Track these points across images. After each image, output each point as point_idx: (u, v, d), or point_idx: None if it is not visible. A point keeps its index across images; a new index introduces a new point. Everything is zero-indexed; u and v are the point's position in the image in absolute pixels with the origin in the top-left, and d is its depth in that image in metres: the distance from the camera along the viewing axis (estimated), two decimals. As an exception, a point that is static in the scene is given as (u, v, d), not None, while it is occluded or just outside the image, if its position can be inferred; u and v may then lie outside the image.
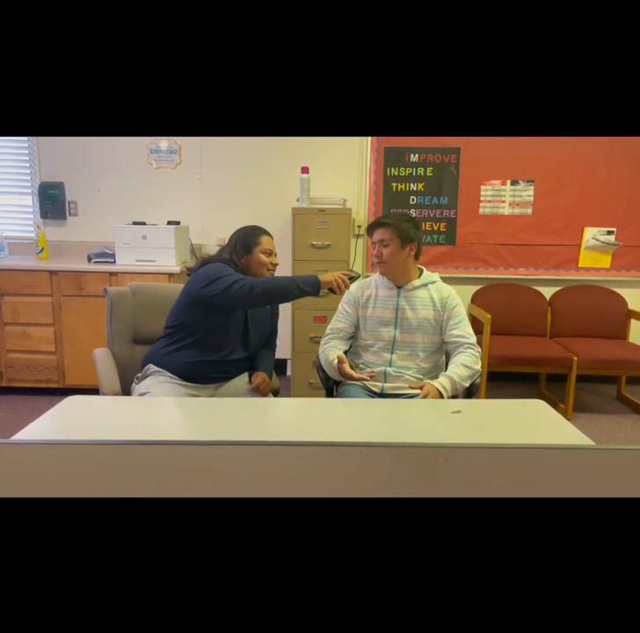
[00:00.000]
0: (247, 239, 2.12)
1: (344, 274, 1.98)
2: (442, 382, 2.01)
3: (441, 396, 1.97)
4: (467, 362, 2.08)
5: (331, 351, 2.17)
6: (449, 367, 2.10)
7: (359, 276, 2.05)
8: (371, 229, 2.18)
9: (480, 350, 2.15)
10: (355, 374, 2.08)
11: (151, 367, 2.07)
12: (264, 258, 2.11)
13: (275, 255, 2.17)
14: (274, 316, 2.31)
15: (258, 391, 2.10)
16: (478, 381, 2.17)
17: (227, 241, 2.19)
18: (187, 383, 2.05)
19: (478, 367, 2.12)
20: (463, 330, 2.15)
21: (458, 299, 2.19)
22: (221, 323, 2.07)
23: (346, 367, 2.08)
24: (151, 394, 1.95)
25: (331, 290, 1.97)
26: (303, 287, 1.92)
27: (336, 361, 2.10)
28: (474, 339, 2.15)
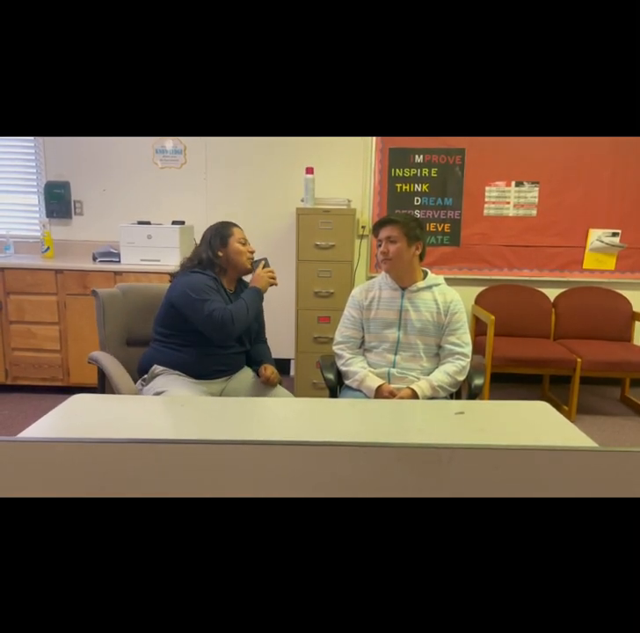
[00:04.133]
0: (220, 232, 2.20)
1: (266, 270, 2.20)
2: (420, 385, 2.06)
3: (416, 396, 2.03)
4: (450, 371, 2.10)
5: (357, 368, 2.17)
6: (433, 373, 2.12)
7: (262, 259, 2.24)
8: (378, 226, 2.18)
9: (469, 362, 2.14)
10: (395, 392, 2.08)
11: (157, 367, 2.08)
12: (241, 246, 2.19)
13: (249, 244, 2.26)
14: (258, 313, 2.38)
15: (269, 382, 2.19)
16: (481, 382, 2.17)
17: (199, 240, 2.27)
18: (195, 380, 2.09)
19: (461, 378, 2.13)
20: (460, 337, 2.15)
21: (461, 305, 2.19)
22: None
23: (386, 393, 2.09)
24: (167, 392, 1.96)
25: (271, 285, 2.22)
26: (258, 298, 2.17)
27: (376, 386, 2.10)
28: (468, 349, 2.15)
